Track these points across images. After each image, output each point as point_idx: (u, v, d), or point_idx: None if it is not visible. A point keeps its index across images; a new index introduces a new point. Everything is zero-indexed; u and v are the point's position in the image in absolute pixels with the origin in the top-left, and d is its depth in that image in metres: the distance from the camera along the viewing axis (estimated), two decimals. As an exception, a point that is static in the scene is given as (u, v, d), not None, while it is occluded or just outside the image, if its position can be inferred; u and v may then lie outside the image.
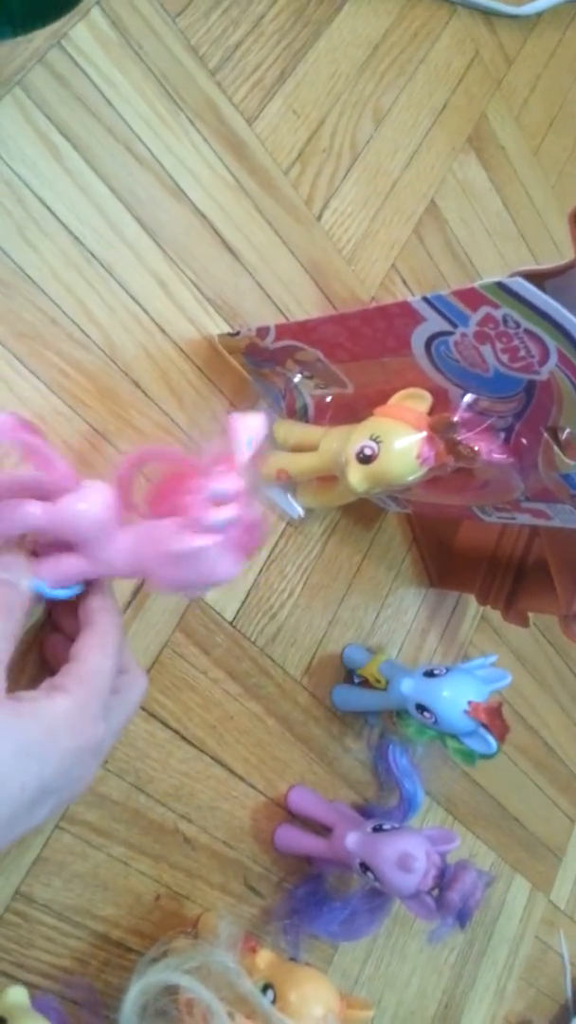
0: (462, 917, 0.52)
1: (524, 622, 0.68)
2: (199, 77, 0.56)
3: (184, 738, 0.56)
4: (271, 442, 0.58)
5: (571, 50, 0.92)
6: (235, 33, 0.58)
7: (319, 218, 0.64)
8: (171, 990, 0.48)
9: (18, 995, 0.42)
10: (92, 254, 0.51)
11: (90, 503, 0.39)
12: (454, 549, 0.75)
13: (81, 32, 0.50)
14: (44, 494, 0.40)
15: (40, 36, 0.48)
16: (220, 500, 0.37)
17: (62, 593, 0.45)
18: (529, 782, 0.89)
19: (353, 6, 0.67)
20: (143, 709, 0.54)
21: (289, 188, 0.62)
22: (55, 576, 0.44)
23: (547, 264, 0.40)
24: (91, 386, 0.51)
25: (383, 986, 0.72)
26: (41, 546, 0.42)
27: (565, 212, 0.84)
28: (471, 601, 0.78)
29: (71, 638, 0.43)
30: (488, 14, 0.81)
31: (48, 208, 0.49)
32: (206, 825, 0.57)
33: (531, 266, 0.39)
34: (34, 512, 0.40)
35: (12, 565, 0.40)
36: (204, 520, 0.37)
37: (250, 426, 0.38)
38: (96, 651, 0.41)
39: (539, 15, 0.87)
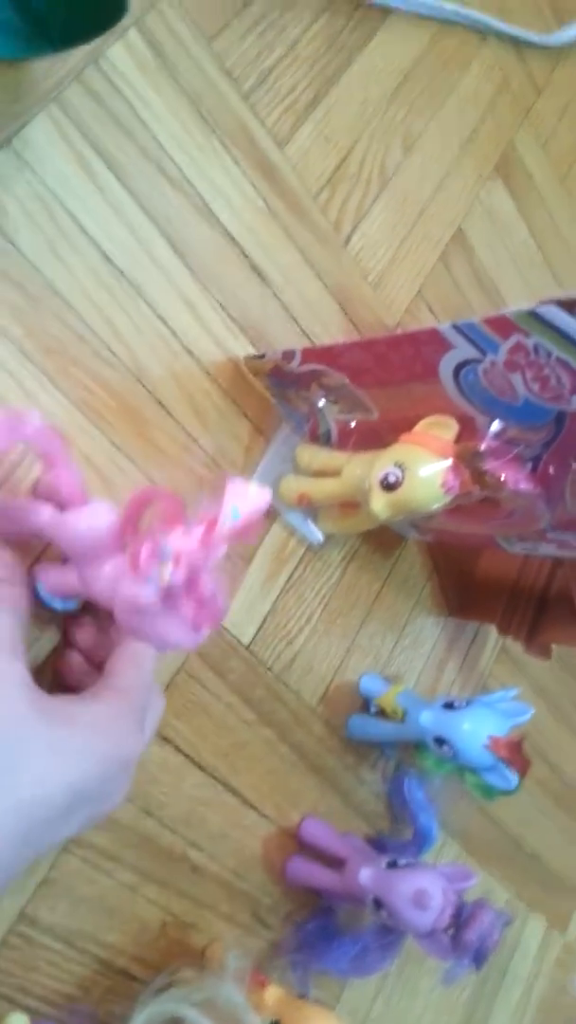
0: (478, 958, 0.50)
1: (546, 654, 0.67)
2: (232, 100, 0.56)
3: (196, 763, 0.55)
4: (293, 466, 0.58)
5: (601, 81, 0.92)
6: (269, 57, 0.59)
7: (347, 243, 0.64)
8: (176, 1022, 0.47)
9: (19, 1022, 0.41)
10: (122, 272, 0.50)
11: (89, 524, 0.39)
12: (475, 578, 0.74)
13: (118, 52, 0.50)
14: (59, 502, 0.40)
15: (78, 54, 0.48)
16: (165, 558, 0.34)
17: (59, 604, 0.45)
18: (547, 819, 0.87)
19: (385, 34, 0.68)
20: (156, 732, 0.53)
21: (318, 213, 0.62)
22: (55, 585, 0.44)
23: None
24: (115, 404, 0.50)
25: (394, 1023, 0.71)
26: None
27: (593, 242, 0.84)
28: (491, 632, 0.77)
29: (90, 658, 0.43)
30: (518, 43, 0.81)
31: (79, 225, 0.49)
32: (216, 853, 0.56)
33: (557, 294, 0.39)
34: (43, 517, 0.40)
35: (14, 567, 0.41)
36: (141, 573, 0.35)
37: (244, 496, 0.35)
38: (132, 666, 0.41)
39: (569, 45, 0.87)
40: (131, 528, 0.38)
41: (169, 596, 0.36)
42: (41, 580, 0.45)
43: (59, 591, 0.45)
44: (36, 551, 0.47)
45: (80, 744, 0.36)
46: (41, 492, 0.43)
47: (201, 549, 0.34)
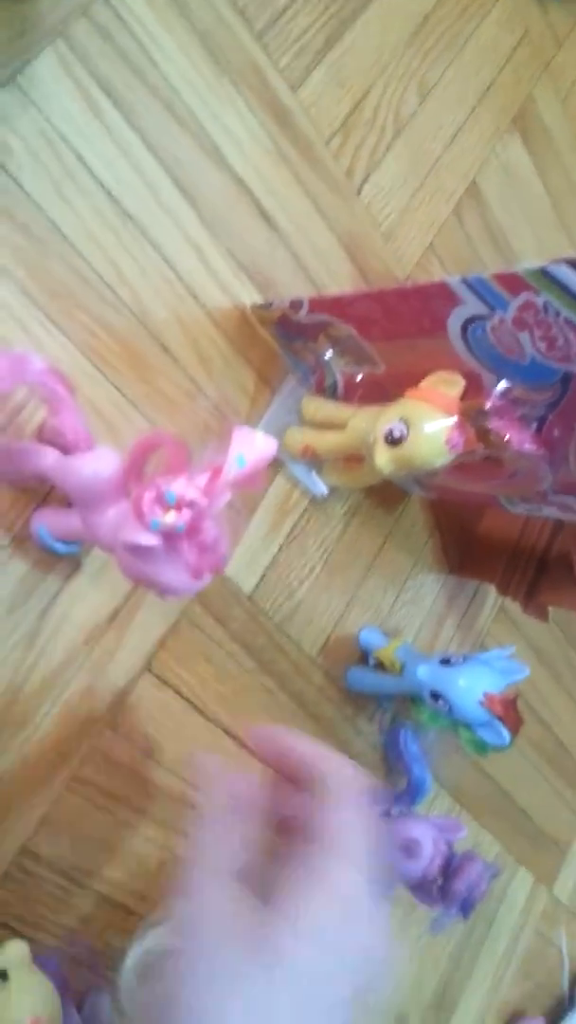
0: (466, 907, 0.52)
1: (544, 615, 0.67)
2: (244, 39, 0.55)
3: (197, 708, 0.56)
4: (299, 418, 0.57)
5: (625, 33, 0.89)
6: (284, -4, 0.57)
7: (359, 192, 0.63)
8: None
9: (19, 949, 0.42)
10: (128, 214, 0.50)
11: (94, 469, 0.39)
12: (477, 538, 0.75)
13: (127, -14, 0.49)
14: (64, 446, 0.40)
15: (85, -13, 0.47)
16: (168, 504, 0.34)
17: (62, 547, 0.46)
18: (539, 775, 0.88)
19: (405, -24, 0.66)
20: (157, 677, 0.53)
21: (330, 159, 0.60)
22: (58, 529, 0.44)
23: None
24: (120, 349, 0.50)
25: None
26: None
27: (609, 199, 0.83)
28: (490, 590, 0.77)
29: None
30: (541, -8, 0.79)
31: (86, 165, 0.48)
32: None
33: (570, 254, 0.38)
34: (48, 460, 0.40)
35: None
36: (144, 518, 0.35)
37: (250, 444, 0.35)
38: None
39: (593, -5, 0.84)
40: (135, 473, 0.38)
41: (171, 541, 0.36)
42: (44, 524, 0.45)
43: (62, 535, 0.45)
44: (40, 495, 0.47)
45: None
46: (46, 436, 0.44)
47: (205, 496, 0.35)
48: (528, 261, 0.38)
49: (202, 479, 0.35)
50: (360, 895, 0.32)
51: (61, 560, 0.48)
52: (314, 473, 0.60)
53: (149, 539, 0.35)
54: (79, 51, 0.48)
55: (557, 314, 0.38)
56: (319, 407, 0.56)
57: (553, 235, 0.82)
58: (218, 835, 0.35)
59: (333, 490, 0.61)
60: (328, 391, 0.56)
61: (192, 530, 0.35)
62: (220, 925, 0.31)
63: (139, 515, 0.35)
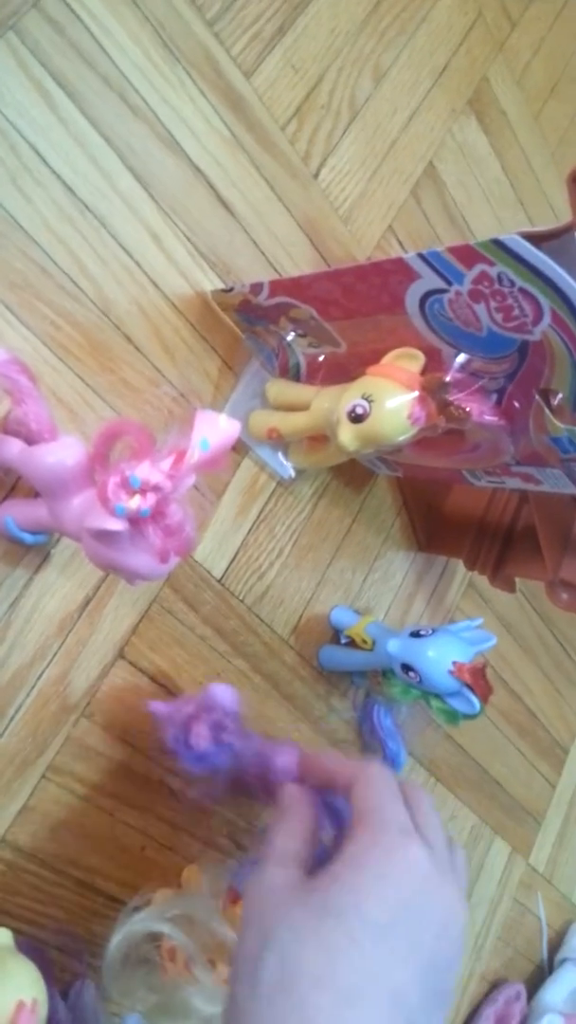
0: None
1: (511, 588, 0.68)
2: (197, 27, 0.55)
3: (171, 693, 0.56)
4: (263, 401, 0.58)
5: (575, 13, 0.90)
6: (234, -18, 0.57)
7: (316, 176, 0.63)
8: (154, 938, 0.48)
9: (3, 937, 0.42)
10: (85, 205, 0.50)
11: (59, 458, 0.39)
12: (443, 514, 0.76)
13: (77, -24, 0.49)
14: (28, 436, 0.40)
15: (35, -22, 0.47)
16: (132, 489, 0.35)
17: (29, 538, 0.46)
18: (511, 747, 0.90)
19: (355, -40, 0.66)
20: (130, 663, 0.54)
21: (286, 144, 0.61)
22: (25, 520, 0.45)
23: (544, 226, 0.40)
24: (82, 339, 0.50)
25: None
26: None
27: (564, 179, 0.84)
28: (459, 566, 0.78)
29: None
30: (492, -27, 0.79)
31: (41, 157, 0.48)
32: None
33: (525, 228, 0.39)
34: (12, 451, 0.41)
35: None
36: (108, 503, 0.35)
37: (213, 427, 0.36)
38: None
39: (544, -24, 0.85)
40: (100, 461, 0.38)
41: (137, 526, 0.36)
42: (11, 515, 0.46)
43: (29, 525, 0.45)
44: (6, 486, 0.47)
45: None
46: (10, 427, 0.44)
47: (169, 479, 0.35)
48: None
49: (166, 463, 0.35)
50: (426, 867, 0.33)
51: (30, 551, 0.49)
52: (280, 455, 0.61)
53: (115, 524, 0.35)
54: (31, 44, 0.48)
55: (512, 284, 0.38)
56: (283, 389, 0.56)
57: (511, 214, 0.83)
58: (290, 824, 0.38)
59: (300, 472, 0.62)
60: (291, 373, 0.57)
61: (157, 514, 0.36)
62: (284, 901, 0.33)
63: (104, 501, 0.35)
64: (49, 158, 0.48)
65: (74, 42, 0.49)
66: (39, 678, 0.50)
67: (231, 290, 0.53)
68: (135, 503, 0.35)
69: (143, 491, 0.35)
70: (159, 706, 0.48)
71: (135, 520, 0.36)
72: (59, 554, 0.50)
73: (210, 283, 0.56)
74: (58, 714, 0.51)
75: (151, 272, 0.53)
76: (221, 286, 0.56)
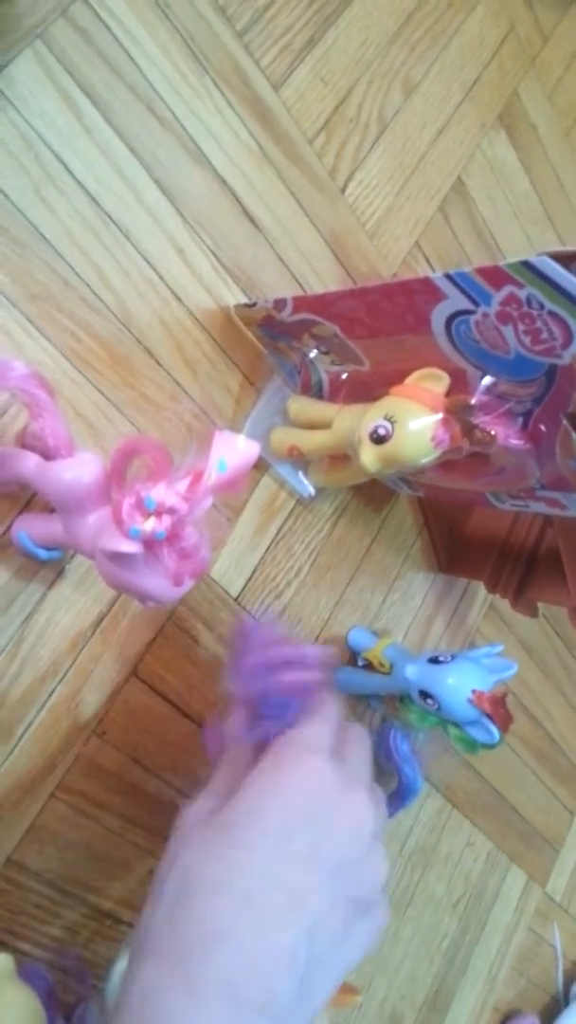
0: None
1: (533, 612, 0.67)
2: (226, 38, 0.54)
3: (184, 713, 0.55)
4: (284, 417, 0.57)
5: (610, 28, 0.89)
6: (265, -6, 0.57)
7: (343, 190, 0.62)
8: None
9: (3, 962, 0.42)
10: (109, 216, 0.49)
11: (75, 475, 0.38)
12: (465, 535, 0.74)
13: (106, -14, 0.49)
14: (45, 451, 0.40)
15: (63, -13, 0.47)
16: (147, 511, 0.34)
17: (44, 554, 0.45)
18: (530, 773, 0.88)
19: (388, -28, 0.66)
20: (143, 682, 0.53)
21: (313, 158, 0.60)
22: (40, 535, 0.44)
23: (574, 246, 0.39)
24: (103, 352, 0.50)
25: (374, 970, 0.72)
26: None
27: (595, 195, 0.83)
28: (479, 588, 0.77)
29: None
30: (526, -13, 0.78)
31: (66, 167, 0.47)
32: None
33: (554, 247, 0.38)
34: (29, 465, 0.40)
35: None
36: (123, 525, 0.34)
37: (232, 448, 0.35)
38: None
39: (578, -9, 0.84)
40: (117, 479, 0.38)
41: (152, 548, 0.35)
42: (25, 530, 0.45)
43: (43, 541, 0.45)
44: (22, 500, 0.47)
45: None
46: (27, 441, 0.43)
47: (185, 501, 0.34)
48: (514, 256, 0.38)
49: (182, 484, 0.34)
50: (327, 776, 0.35)
51: (44, 566, 0.48)
52: (300, 473, 0.60)
53: (129, 546, 0.34)
54: (58, 52, 0.47)
55: (541, 307, 0.37)
56: (304, 407, 0.55)
57: (540, 231, 0.81)
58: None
59: (320, 490, 0.61)
60: (313, 390, 0.56)
61: (172, 537, 0.35)
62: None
63: (118, 522, 0.34)
64: (74, 168, 0.48)
65: (102, 51, 0.49)
66: (51, 695, 0.49)
67: (254, 305, 0.53)
68: (150, 525, 0.34)
69: (158, 513, 0.34)
70: (256, 628, 0.44)
71: (149, 542, 0.35)
72: (74, 570, 0.49)
73: (233, 297, 0.55)
74: (69, 732, 0.50)
75: (174, 285, 0.53)
76: (244, 300, 0.55)
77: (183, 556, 0.36)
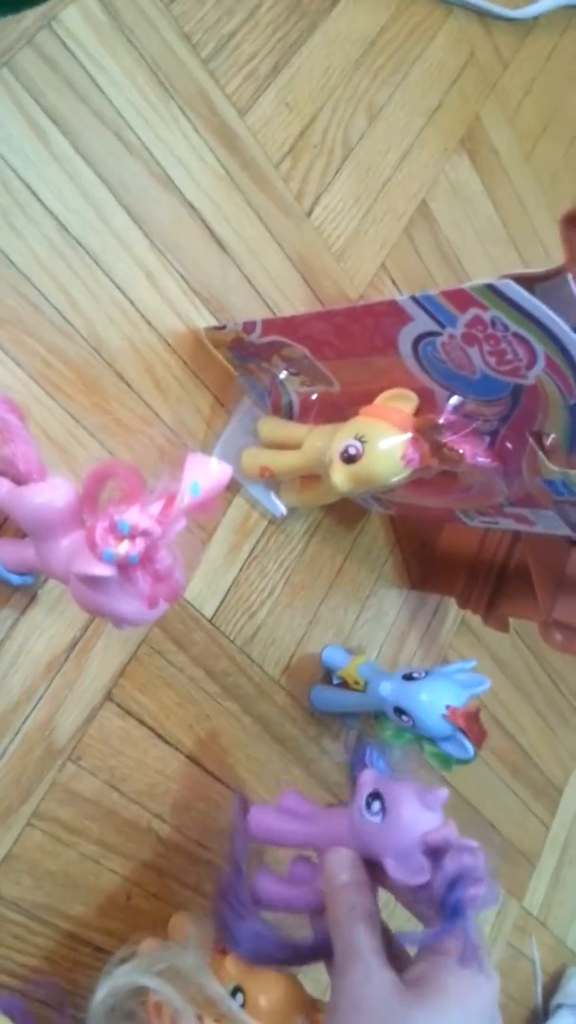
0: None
1: (504, 627, 0.68)
2: (192, 66, 0.55)
3: (160, 736, 0.55)
4: (256, 438, 0.57)
5: (567, 54, 0.92)
6: (230, 22, 0.58)
7: (309, 214, 0.63)
8: (140, 992, 0.47)
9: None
10: (78, 242, 0.50)
11: (46, 499, 0.38)
12: (436, 552, 0.75)
13: (72, 14, 0.49)
14: (16, 476, 0.40)
15: (30, 16, 0.47)
16: (121, 534, 0.34)
17: (16, 579, 0.45)
18: (505, 787, 0.88)
19: (350, 1, 0.67)
20: (118, 705, 0.53)
21: (280, 182, 0.61)
22: (12, 560, 0.44)
23: (537, 268, 0.39)
24: (74, 376, 0.50)
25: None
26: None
27: (556, 218, 0.84)
28: (452, 605, 0.77)
29: None
30: (484, 15, 0.80)
31: (34, 193, 0.48)
32: (180, 825, 0.57)
33: (521, 270, 0.39)
34: (0, 490, 0.40)
35: (359, 869, 0.42)
36: (96, 548, 0.34)
37: (204, 471, 0.35)
38: None
39: (535, 19, 0.87)
40: (90, 503, 0.38)
41: (125, 572, 0.35)
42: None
43: (15, 566, 0.44)
44: (-7, 525, 0.46)
45: (456, 1013, 0.36)
46: None
47: (159, 524, 0.34)
48: (479, 279, 0.38)
49: (155, 507, 0.34)
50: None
51: (16, 591, 0.48)
52: (272, 494, 0.60)
53: (102, 570, 0.34)
54: (25, 80, 0.47)
55: (505, 328, 0.38)
56: (275, 427, 0.56)
57: (504, 252, 0.83)
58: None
59: (292, 510, 0.61)
60: (284, 411, 0.56)
61: (146, 559, 0.35)
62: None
63: (92, 546, 0.34)
64: (42, 194, 0.48)
65: (68, 79, 0.49)
66: (24, 722, 0.49)
67: (224, 328, 0.53)
68: (123, 548, 0.34)
69: (132, 536, 0.34)
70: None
71: (123, 566, 0.35)
72: (47, 595, 0.49)
73: (203, 320, 0.56)
74: (43, 759, 0.50)
75: (144, 309, 0.53)
76: (214, 323, 0.56)
77: (157, 579, 0.36)
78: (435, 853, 0.41)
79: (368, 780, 0.46)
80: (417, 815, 0.42)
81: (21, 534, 0.44)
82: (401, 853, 0.41)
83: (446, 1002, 0.35)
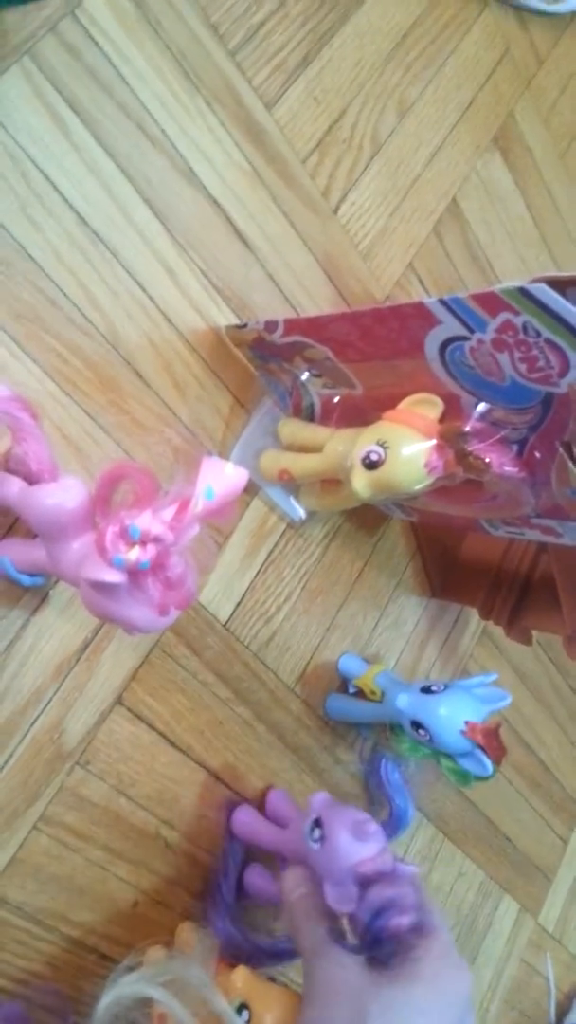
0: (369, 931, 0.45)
1: (527, 640, 0.66)
2: (218, 57, 0.54)
3: (171, 742, 0.54)
4: (275, 440, 0.56)
5: (605, 52, 0.89)
6: (258, 12, 0.56)
7: (336, 211, 0.62)
8: (144, 1002, 0.46)
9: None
10: (98, 235, 0.49)
11: (58, 500, 0.37)
12: (458, 561, 0.73)
13: (96, 2, 0.48)
14: (28, 475, 0.39)
15: (52, 4, 0.46)
16: (132, 540, 0.33)
17: (27, 580, 0.44)
18: (523, 801, 0.87)
19: (382, -7, 0.65)
20: (128, 710, 0.52)
21: (306, 178, 0.59)
22: (23, 561, 0.43)
23: (571, 271, 0.38)
24: (90, 373, 0.49)
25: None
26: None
27: (590, 218, 0.82)
28: (473, 614, 0.76)
29: None
30: (520, 10, 0.78)
31: (53, 185, 0.47)
32: (189, 832, 0.56)
33: (554, 272, 0.37)
34: (11, 490, 0.39)
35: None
36: (107, 554, 0.33)
37: (219, 475, 0.34)
38: None
39: (573, 14, 0.84)
40: (102, 506, 0.36)
41: (136, 578, 0.34)
42: (8, 555, 0.44)
43: (26, 567, 0.43)
44: (4, 525, 0.45)
45: (422, 992, 0.37)
46: (10, 465, 0.42)
47: (171, 530, 0.33)
48: (509, 280, 0.37)
49: (168, 512, 0.33)
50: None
51: (27, 592, 0.47)
52: (291, 497, 0.59)
53: (112, 576, 0.33)
54: (46, 69, 0.46)
55: (537, 334, 0.36)
56: (296, 430, 0.54)
57: (535, 253, 0.81)
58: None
59: (311, 514, 0.60)
60: (305, 413, 0.55)
61: (157, 566, 0.34)
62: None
63: (102, 551, 0.33)
64: (61, 186, 0.47)
65: (91, 68, 0.48)
66: (33, 724, 0.48)
67: (245, 326, 0.52)
68: (134, 555, 0.33)
69: (143, 542, 0.33)
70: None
71: (134, 572, 0.34)
72: (58, 596, 0.48)
73: (224, 318, 0.55)
74: (51, 762, 0.49)
75: (164, 306, 0.52)
76: (235, 322, 0.54)
77: (168, 586, 0.35)
78: (365, 883, 0.42)
79: (315, 806, 0.48)
80: (348, 847, 0.43)
81: (32, 534, 0.43)
82: (336, 880, 0.43)
83: (415, 984, 0.37)
